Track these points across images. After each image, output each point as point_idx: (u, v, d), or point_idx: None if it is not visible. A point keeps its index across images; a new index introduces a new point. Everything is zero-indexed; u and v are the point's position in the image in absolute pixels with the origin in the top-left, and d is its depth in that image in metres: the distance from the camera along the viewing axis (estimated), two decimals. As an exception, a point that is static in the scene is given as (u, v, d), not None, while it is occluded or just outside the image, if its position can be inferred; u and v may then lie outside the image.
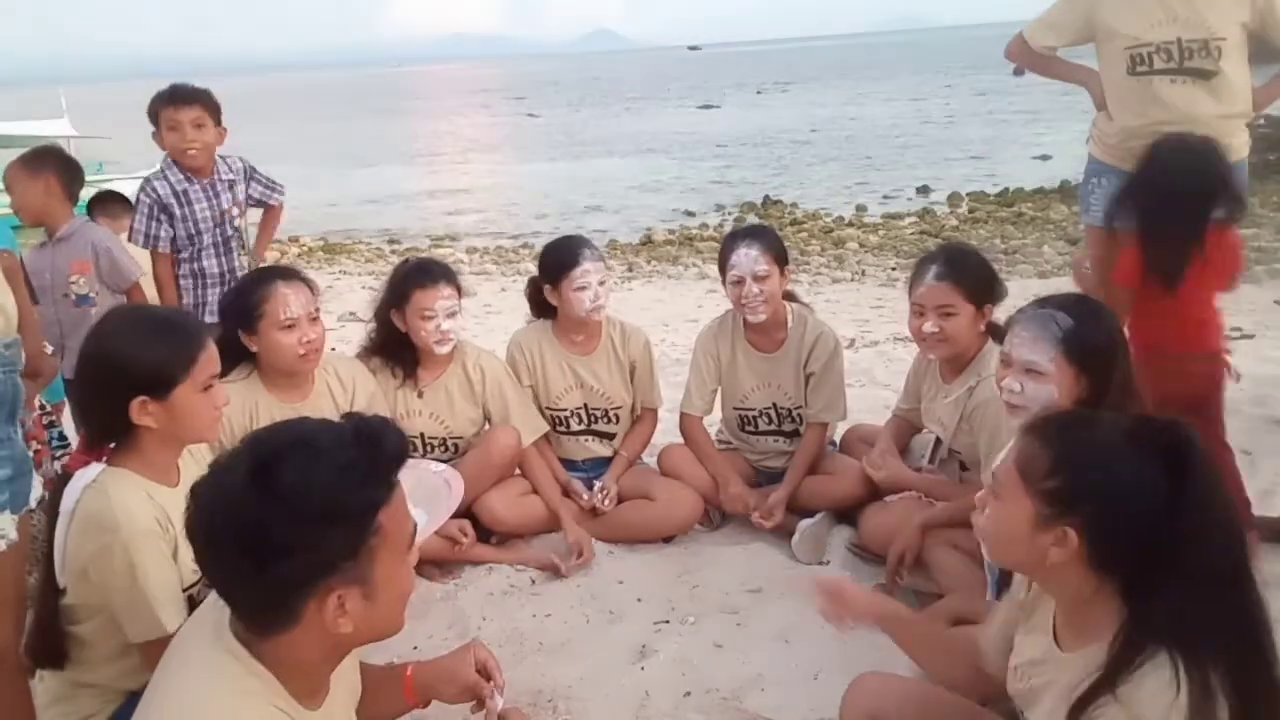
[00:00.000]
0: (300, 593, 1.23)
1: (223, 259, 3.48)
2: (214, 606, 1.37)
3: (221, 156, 3.49)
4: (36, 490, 1.90)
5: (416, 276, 3.01)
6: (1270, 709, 1.33)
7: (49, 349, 2.81)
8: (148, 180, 3.37)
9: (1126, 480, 1.36)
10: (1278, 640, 1.37)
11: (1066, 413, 1.60)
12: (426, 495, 2.39)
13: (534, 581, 2.97)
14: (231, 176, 3.50)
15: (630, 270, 10.88)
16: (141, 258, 3.49)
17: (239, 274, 3.56)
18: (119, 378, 1.83)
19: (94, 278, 3.19)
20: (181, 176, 3.36)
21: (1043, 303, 2.15)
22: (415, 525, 1.36)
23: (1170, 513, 1.32)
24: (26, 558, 1.98)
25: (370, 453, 1.26)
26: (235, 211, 3.51)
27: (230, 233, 3.50)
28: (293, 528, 1.19)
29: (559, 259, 3.16)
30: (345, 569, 1.23)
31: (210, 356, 1.94)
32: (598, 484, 3.23)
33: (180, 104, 3.32)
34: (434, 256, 3.53)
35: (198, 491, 1.26)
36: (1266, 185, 11.07)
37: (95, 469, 1.85)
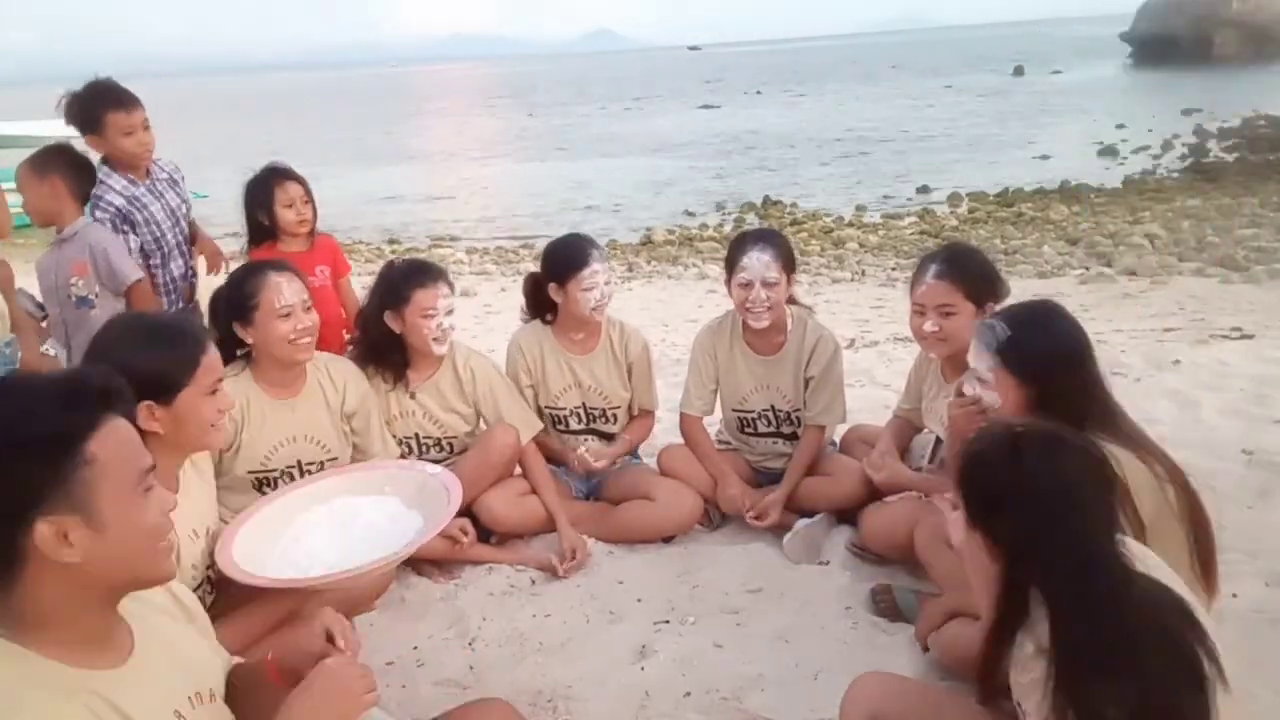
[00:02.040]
0: (11, 525, 1.22)
1: (183, 259, 3.46)
2: None
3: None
4: None
5: (417, 276, 3.01)
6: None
7: (51, 351, 2.78)
8: (98, 195, 3.27)
9: (984, 474, 1.55)
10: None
11: (992, 424, 1.73)
12: (425, 500, 2.39)
13: (534, 581, 2.97)
14: (166, 174, 3.47)
15: (630, 270, 10.88)
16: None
17: (193, 275, 3.56)
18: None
19: (93, 279, 3.17)
20: (126, 182, 3.30)
21: (1001, 311, 2.20)
22: (152, 464, 1.34)
23: (1007, 502, 1.51)
24: None
25: (68, 385, 1.28)
26: (185, 209, 3.50)
27: (186, 231, 3.49)
28: None
29: (567, 257, 3.16)
30: (54, 497, 1.23)
31: (213, 360, 1.98)
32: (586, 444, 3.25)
33: (133, 107, 3.26)
34: (420, 257, 3.52)
35: None
36: (1267, 185, 11.09)
37: None
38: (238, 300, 2.65)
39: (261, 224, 3.46)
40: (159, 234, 3.37)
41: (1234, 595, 2.50)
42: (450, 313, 3.03)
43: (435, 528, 2.28)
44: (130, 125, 3.25)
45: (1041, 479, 1.50)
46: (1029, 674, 1.55)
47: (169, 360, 1.94)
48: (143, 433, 1.81)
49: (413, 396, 3.11)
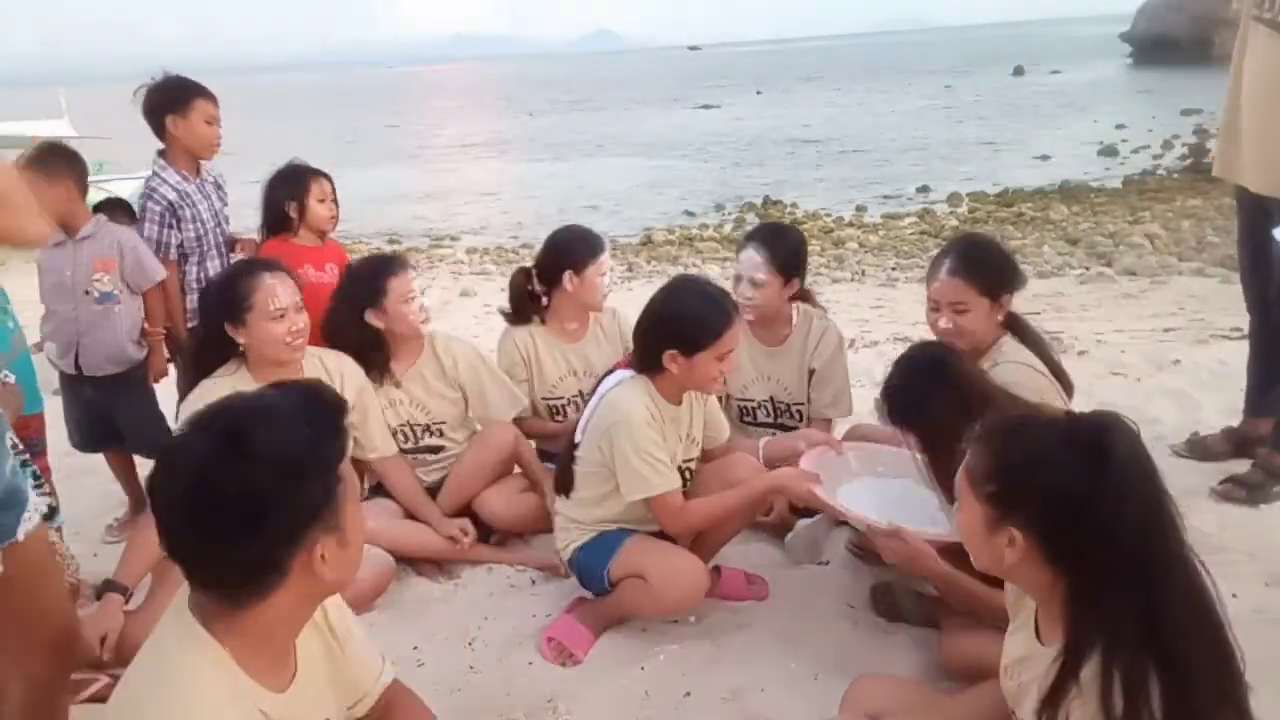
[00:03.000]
0: (291, 546, 1.30)
1: (219, 260, 3.47)
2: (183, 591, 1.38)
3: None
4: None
5: (386, 267, 3.06)
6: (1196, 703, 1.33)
7: (9, 378, 2.66)
8: (152, 187, 3.30)
9: (1056, 476, 1.40)
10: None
11: (1008, 417, 1.63)
12: (913, 509, 2.36)
13: (534, 582, 2.97)
14: (214, 179, 3.49)
15: (630, 270, 10.87)
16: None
17: None
18: (663, 330, 2.46)
19: (117, 276, 3.20)
20: (180, 178, 3.32)
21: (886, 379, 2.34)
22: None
23: (1096, 502, 1.37)
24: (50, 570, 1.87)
25: (314, 405, 1.37)
26: (225, 217, 3.53)
27: (226, 235, 3.51)
28: (278, 484, 1.26)
29: (585, 243, 3.24)
30: (325, 518, 1.32)
31: (734, 336, 2.46)
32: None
33: (211, 97, 3.34)
34: (376, 252, 3.57)
35: (167, 469, 1.28)
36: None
37: (624, 374, 2.55)
38: (230, 301, 2.67)
39: (285, 215, 3.43)
40: (201, 233, 3.39)
41: (1234, 595, 2.50)
42: (424, 293, 3.10)
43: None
44: (213, 114, 3.33)
45: (1133, 487, 1.37)
46: (1026, 674, 1.55)
47: (707, 323, 2.42)
48: (658, 373, 2.49)
49: (398, 386, 3.14)
